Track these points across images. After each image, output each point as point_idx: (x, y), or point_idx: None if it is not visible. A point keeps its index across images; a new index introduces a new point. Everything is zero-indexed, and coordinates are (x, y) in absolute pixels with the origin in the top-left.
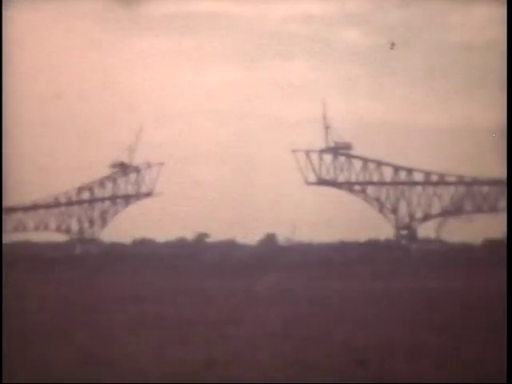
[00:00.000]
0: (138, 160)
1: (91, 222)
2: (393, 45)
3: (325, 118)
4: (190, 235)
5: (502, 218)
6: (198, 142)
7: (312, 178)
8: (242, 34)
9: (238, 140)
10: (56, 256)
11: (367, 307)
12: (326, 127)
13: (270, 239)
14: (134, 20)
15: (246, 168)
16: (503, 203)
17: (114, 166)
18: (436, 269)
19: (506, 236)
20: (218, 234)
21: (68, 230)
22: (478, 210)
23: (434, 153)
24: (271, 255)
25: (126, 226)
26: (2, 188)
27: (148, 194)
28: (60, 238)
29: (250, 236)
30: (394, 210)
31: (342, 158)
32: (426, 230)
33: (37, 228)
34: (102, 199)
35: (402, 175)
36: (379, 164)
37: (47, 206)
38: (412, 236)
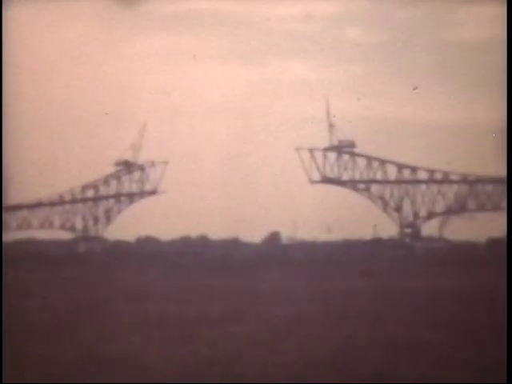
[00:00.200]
0: (142, 158)
1: (95, 220)
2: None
3: (328, 116)
4: (193, 233)
5: (506, 216)
6: (202, 141)
7: (316, 176)
8: (244, 33)
9: (242, 138)
10: (60, 254)
11: (370, 305)
12: (330, 125)
13: (274, 237)
14: (135, 19)
15: (251, 166)
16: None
17: (118, 164)
18: (440, 267)
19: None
20: (221, 232)
21: (72, 228)
22: (482, 208)
23: (437, 151)
24: (275, 254)
25: (130, 224)
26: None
27: (152, 193)
28: (64, 235)
29: (253, 234)
30: (398, 209)
31: (345, 157)
32: (429, 229)
33: (41, 226)
34: (107, 197)
35: (406, 173)
36: (383, 162)
37: (52, 204)
38: (416, 234)
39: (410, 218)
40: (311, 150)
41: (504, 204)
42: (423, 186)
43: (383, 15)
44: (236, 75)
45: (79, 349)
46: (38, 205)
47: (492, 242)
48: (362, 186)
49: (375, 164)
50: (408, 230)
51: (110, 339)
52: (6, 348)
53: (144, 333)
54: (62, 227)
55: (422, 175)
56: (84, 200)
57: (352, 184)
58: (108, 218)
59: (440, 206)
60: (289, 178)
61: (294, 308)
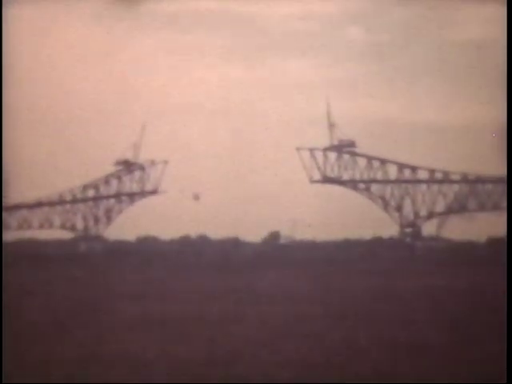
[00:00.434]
0: (142, 158)
1: (96, 220)
2: None
3: (329, 116)
4: (193, 233)
5: (506, 216)
6: (202, 140)
7: (316, 176)
8: (244, 33)
9: (243, 138)
10: (60, 253)
11: (371, 305)
12: (331, 125)
13: (274, 237)
14: (135, 19)
15: (251, 166)
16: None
17: (118, 163)
18: (440, 267)
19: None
20: (221, 231)
21: (73, 228)
22: (482, 208)
23: (438, 151)
24: (275, 253)
25: (130, 224)
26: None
27: (153, 192)
28: (65, 235)
29: (253, 234)
30: (399, 208)
31: (346, 156)
32: (430, 228)
33: (41, 226)
34: (107, 197)
35: (407, 173)
36: (383, 162)
37: (52, 204)
38: (416, 234)
39: (411, 218)
40: (312, 150)
41: (504, 203)
42: (424, 186)
43: (383, 15)
44: (236, 75)
45: (79, 348)
46: (39, 204)
47: (492, 242)
48: (362, 185)
49: (376, 164)
50: (408, 230)
51: (110, 338)
52: (6, 347)
53: (144, 332)
54: (63, 227)
55: (423, 175)
56: (84, 200)
57: (352, 184)
58: (108, 218)
59: (440, 206)
60: (289, 177)
61: (293, 307)
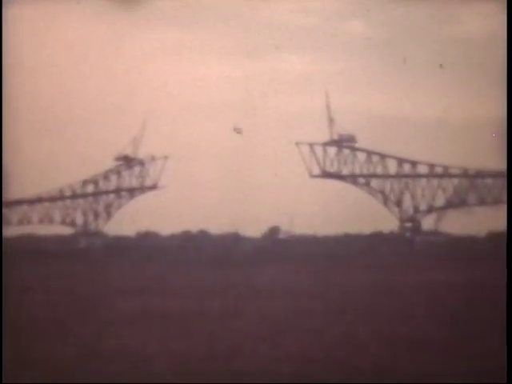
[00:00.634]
0: (142, 153)
1: (96, 215)
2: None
3: (328, 111)
4: (194, 228)
5: (506, 210)
6: (202, 136)
7: (316, 170)
8: (244, 29)
9: (243, 133)
10: (60, 249)
11: (370, 300)
12: (330, 120)
13: (274, 232)
14: (135, 15)
15: (251, 161)
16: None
17: (118, 159)
18: (440, 261)
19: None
20: (221, 226)
21: (73, 223)
22: (482, 202)
23: (437, 145)
24: (275, 248)
25: (130, 219)
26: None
27: (152, 187)
28: (65, 230)
29: (253, 229)
30: (398, 203)
31: (346, 151)
32: (430, 223)
33: (41, 221)
34: (107, 192)
35: (406, 168)
36: (383, 157)
37: (52, 199)
38: (416, 228)
39: (411, 212)
40: (311, 145)
41: (504, 198)
42: (423, 180)
43: (383, 10)
44: (236, 70)
45: (79, 344)
46: (39, 200)
47: (492, 236)
48: (362, 180)
49: (375, 158)
50: (408, 224)
51: (110, 334)
52: (6, 342)
53: (144, 327)
54: (63, 222)
55: (422, 169)
56: (84, 195)
57: (352, 178)
58: (108, 213)
59: (440, 200)
60: (289, 172)
61: (293, 302)
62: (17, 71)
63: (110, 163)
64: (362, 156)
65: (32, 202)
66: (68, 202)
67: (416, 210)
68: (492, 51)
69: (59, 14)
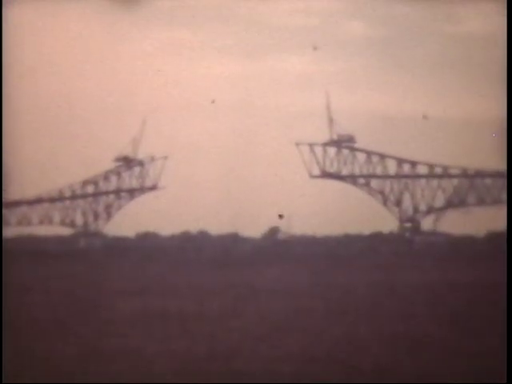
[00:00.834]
0: (141, 154)
1: (96, 216)
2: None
3: (328, 111)
4: (193, 229)
5: (506, 210)
6: (202, 136)
7: (316, 171)
8: (244, 28)
9: (242, 133)
10: (60, 250)
11: (370, 300)
12: (330, 120)
13: (274, 232)
14: (135, 16)
15: (250, 161)
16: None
17: (118, 159)
18: (439, 261)
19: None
20: (221, 227)
21: (72, 224)
22: (482, 202)
23: (437, 145)
24: (274, 248)
25: (130, 220)
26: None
27: (152, 188)
28: (64, 231)
29: (253, 229)
30: (398, 203)
31: (345, 151)
32: (429, 223)
33: (41, 222)
34: (107, 193)
35: (406, 168)
36: (383, 157)
37: (52, 200)
38: (416, 228)
39: (410, 213)
40: (311, 145)
41: (504, 197)
42: (423, 181)
43: (383, 10)
44: (236, 70)
45: (79, 344)
46: (38, 201)
47: (491, 236)
48: (361, 180)
49: (375, 159)
50: (408, 225)
51: (110, 334)
52: (6, 343)
53: (144, 328)
54: (62, 223)
55: (422, 169)
56: (84, 196)
57: (352, 179)
58: (108, 214)
59: (440, 201)
60: (289, 172)
61: (293, 303)
62: (17, 71)
63: (110, 164)
64: (361, 156)
65: (31, 202)
66: (68, 202)
67: (415, 210)
68: (492, 51)
69: (59, 14)
